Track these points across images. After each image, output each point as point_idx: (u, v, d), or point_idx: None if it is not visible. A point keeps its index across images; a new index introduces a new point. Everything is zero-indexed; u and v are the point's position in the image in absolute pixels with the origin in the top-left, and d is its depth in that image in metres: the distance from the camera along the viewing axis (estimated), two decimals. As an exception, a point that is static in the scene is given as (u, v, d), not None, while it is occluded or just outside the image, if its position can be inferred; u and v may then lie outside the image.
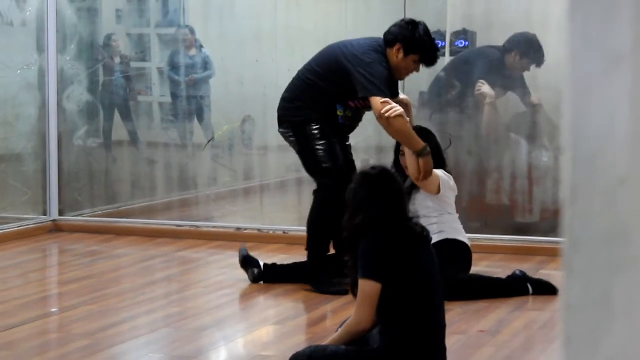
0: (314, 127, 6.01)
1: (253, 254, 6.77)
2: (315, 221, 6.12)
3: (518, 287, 5.95)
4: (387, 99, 5.78)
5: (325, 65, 6.04)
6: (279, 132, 6.22)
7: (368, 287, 4.09)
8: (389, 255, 4.08)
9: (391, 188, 4.25)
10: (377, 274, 4.07)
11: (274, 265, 6.31)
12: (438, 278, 4.25)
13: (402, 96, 6.24)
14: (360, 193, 4.24)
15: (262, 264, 6.26)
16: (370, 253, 4.10)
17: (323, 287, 5.98)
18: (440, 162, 6.04)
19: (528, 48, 7.36)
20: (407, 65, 5.96)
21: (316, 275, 6.05)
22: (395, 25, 5.99)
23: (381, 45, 5.95)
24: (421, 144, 5.80)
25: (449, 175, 6.05)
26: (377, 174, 4.29)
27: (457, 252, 5.99)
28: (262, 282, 6.24)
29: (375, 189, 4.22)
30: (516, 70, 7.45)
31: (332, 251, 6.16)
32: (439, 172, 5.94)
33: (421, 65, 6.03)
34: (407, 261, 4.11)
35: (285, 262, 6.52)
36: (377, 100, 5.78)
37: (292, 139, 6.14)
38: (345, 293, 5.86)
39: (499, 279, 6.04)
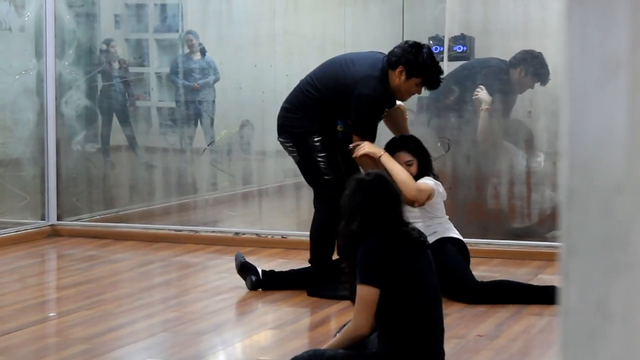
0: (316, 139, 6.01)
1: (251, 258, 6.76)
2: (319, 232, 6.11)
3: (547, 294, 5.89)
4: (358, 138, 5.91)
5: (325, 82, 6.03)
6: (278, 140, 6.21)
7: (366, 293, 4.09)
8: (386, 260, 4.09)
9: (386, 193, 4.26)
10: (375, 279, 4.08)
11: (272, 272, 6.30)
12: (435, 282, 4.26)
13: (397, 103, 6.25)
14: (355, 199, 4.25)
15: (259, 270, 6.26)
16: (368, 258, 4.11)
17: (330, 292, 5.98)
18: (427, 168, 6.04)
19: (533, 65, 7.37)
20: (409, 88, 5.94)
21: (322, 282, 6.04)
22: (398, 47, 5.95)
23: (383, 67, 5.91)
24: None
25: (437, 182, 6.05)
26: (371, 180, 4.30)
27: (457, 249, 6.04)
28: (260, 290, 6.23)
29: (370, 194, 4.23)
30: (520, 87, 7.47)
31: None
32: (429, 182, 5.95)
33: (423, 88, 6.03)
34: (404, 266, 4.11)
35: (284, 267, 6.52)
36: (353, 138, 5.94)
37: (291, 148, 6.13)
38: (348, 298, 5.87)
39: (524, 285, 6.06)
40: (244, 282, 6.28)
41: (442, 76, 6.01)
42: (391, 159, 5.90)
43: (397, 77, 5.88)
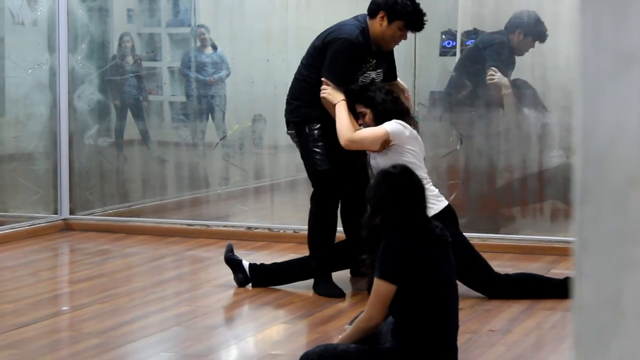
0: (315, 127, 6.00)
1: (263, 253, 6.78)
2: (314, 227, 6.10)
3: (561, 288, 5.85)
4: (326, 80, 5.84)
5: (310, 54, 6.08)
6: (287, 133, 6.24)
7: (383, 287, 4.09)
8: (407, 257, 4.08)
9: (412, 187, 4.24)
10: (394, 275, 4.07)
11: (261, 267, 6.19)
12: (454, 281, 4.27)
13: (399, 80, 6.19)
14: (380, 192, 4.23)
15: (246, 264, 6.19)
16: (389, 254, 4.10)
17: (323, 290, 5.97)
18: (384, 115, 5.79)
19: (529, 25, 7.35)
20: (393, 33, 5.89)
21: (320, 278, 6.03)
22: None
23: (362, 19, 5.92)
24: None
25: (404, 124, 5.77)
26: (398, 173, 4.28)
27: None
28: (249, 286, 6.19)
29: (395, 187, 4.21)
30: (522, 49, 7.43)
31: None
32: (385, 126, 5.72)
33: (408, 32, 5.93)
34: (425, 263, 4.10)
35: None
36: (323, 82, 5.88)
37: (295, 139, 6.15)
38: (339, 296, 5.88)
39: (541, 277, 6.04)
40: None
41: (425, 18, 5.91)
42: (343, 109, 5.80)
43: (379, 24, 5.87)
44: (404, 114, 5.87)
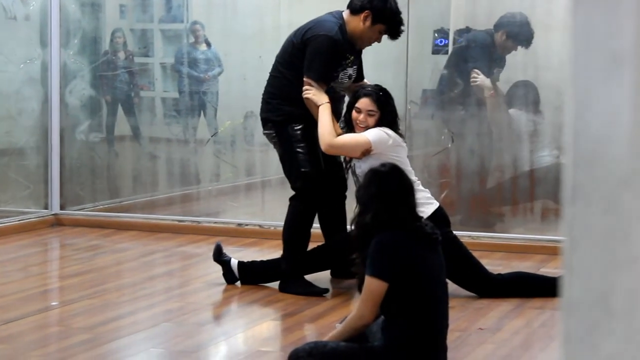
0: (297, 128, 5.93)
1: (253, 249, 6.76)
2: (291, 228, 6.04)
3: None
4: (308, 80, 5.78)
5: (286, 51, 6.01)
6: (264, 133, 6.16)
7: (374, 286, 4.09)
8: (398, 256, 4.08)
9: (401, 186, 4.24)
10: (385, 273, 4.07)
11: (250, 265, 6.17)
12: (444, 279, 4.27)
13: (366, 81, 6.14)
14: (370, 190, 4.24)
15: (235, 263, 6.17)
16: (380, 252, 4.10)
17: (301, 288, 5.95)
18: (388, 123, 5.76)
19: (514, 29, 7.34)
20: (371, 35, 5.87)
21: (293, 278, 6.00)
22: None
23: (335, 16, 5.88)
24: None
25: (387, 131, 5.71)
26: (386, 171, 4.28)
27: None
28: (238, 284, 6.19)
29: (384, 186, 4.21)
30: (502, 50, 7.41)
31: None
32: (369, 134, 5.68)
33: (385, 37, 5.91)
34: (415, 261, 4.11)
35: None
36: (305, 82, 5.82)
37: (274, 140, 6.08)
38: (321, 293, 5.87)
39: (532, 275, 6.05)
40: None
41: (402, 28, 5.90)
42: (326, 112, 5.75)
43: (362, 22, 5.83)
44: (397, 125, 5.84)
